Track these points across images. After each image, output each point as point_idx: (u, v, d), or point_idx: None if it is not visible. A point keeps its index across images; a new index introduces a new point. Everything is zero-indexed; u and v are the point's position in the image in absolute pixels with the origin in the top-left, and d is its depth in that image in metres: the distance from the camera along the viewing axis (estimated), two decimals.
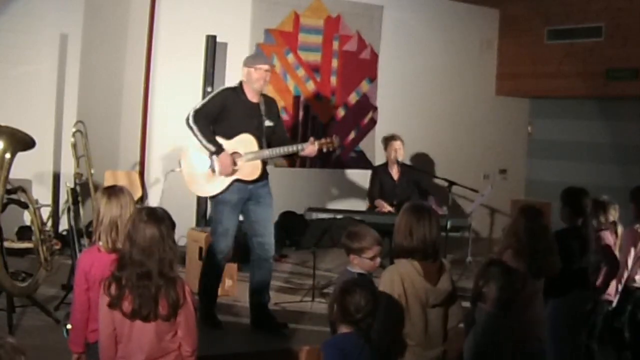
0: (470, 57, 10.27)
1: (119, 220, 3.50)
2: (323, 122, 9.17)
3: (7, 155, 4.94)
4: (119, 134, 8.08)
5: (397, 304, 3.57)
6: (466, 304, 3.96)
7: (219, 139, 5.31)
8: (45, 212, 5.77)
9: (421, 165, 9.24)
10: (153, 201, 8.02)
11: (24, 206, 5.40)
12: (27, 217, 6.31)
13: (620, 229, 5.25)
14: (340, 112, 9.34)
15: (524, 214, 4.21)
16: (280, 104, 6.09)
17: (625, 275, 5.30)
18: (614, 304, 5.30)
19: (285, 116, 8.43)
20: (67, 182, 5.99)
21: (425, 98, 9.85)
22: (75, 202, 5.93)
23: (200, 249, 6.23)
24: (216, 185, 5.35)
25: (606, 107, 9.91)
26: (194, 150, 5.38)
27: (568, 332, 4.68)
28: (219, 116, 5.34)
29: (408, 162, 8.67)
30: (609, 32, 9.12)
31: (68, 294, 5.29)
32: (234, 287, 6.25)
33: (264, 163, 5.44)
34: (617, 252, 5.14)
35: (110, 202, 3.54)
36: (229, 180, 5.33)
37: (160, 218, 3.26)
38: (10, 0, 7.41)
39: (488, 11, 10.38)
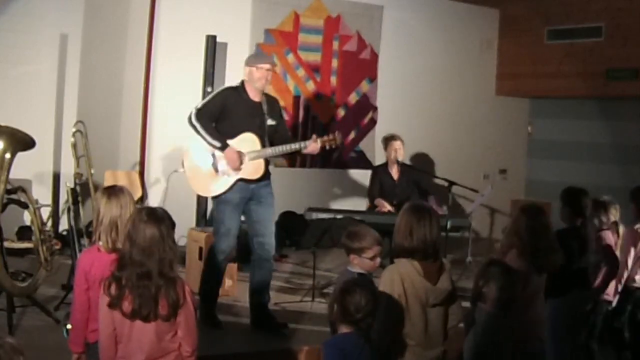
0: (470, 57, 10.26)
1: (119, 220, 3.50)
2: (323, 122, 9.16)
3: (7, 155, 4.93)
4: (119, 134, 8.07)
5: (397, 304, 3.57)
6: (466, 304, 3.95)
7: None
8: (45, 212, 5.76)
9: (421, 165, 9.24)
10: (153, 201, 8.01)
11: (24, 206, 5.40)
12: (27, 217, 6.31)
13: (621, 229, 5.26)
14: (340, 112, 9.33)
15: (525, 212, 4.21)
16: (281, 104, 6.08)
17: (625, 275, 5.29)
18: (614, 304, 5.30)
19: (285, 116, 8.39)
20: (67, 182, 5.99)
21: (425, 98, 9.84)
22: (75, 202, 5.92)
23: (201, 249, 6.22)
24: (220, 184, 5.34)
25: (606, 107, 9.90)
26: (196, 150, 5.38)
27: (568, 332, 4.68)
28: (220, 115, 5.33)
29: (408, 162, 8.67)
30: (609, 32, 9.11)
31: (68, 294, 5.29)
32: (234, 287, 6.25)
33: (267, 162, 5.44)
34: (618, 252, 5.14)
35: (110, 202, 3.55)
36: (232, 179, 5.32)
37: (160, 218, 3.27)
38: (10, 0, 7.40)
39: (488, 11, 10.37)
